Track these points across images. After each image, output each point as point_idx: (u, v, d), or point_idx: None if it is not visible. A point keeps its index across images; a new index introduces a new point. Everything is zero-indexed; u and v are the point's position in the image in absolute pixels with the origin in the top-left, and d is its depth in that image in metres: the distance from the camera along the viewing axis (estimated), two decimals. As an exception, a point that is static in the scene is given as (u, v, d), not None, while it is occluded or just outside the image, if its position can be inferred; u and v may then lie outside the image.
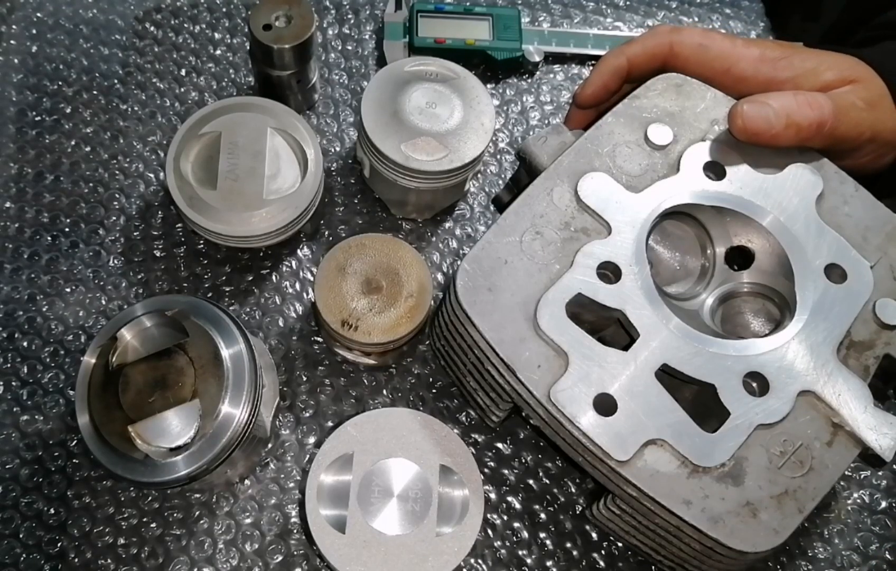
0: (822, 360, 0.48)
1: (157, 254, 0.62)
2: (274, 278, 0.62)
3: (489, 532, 0.55)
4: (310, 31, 0.62)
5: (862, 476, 0.59)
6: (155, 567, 0.52)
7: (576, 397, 0.46)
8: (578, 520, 0.55)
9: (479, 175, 0.68)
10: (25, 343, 0.58)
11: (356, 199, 0.66)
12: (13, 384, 0.57)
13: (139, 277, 0.61)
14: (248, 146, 0.59)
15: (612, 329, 0.52)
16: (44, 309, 0.59)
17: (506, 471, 0.57)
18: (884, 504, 0.57)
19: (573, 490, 0.56)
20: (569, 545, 0.55)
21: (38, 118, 0.67)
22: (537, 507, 0.56)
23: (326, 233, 0.64)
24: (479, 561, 0.54)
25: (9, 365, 0.57)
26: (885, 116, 0.56)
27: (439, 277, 0.63)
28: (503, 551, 0.54)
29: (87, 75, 0.69)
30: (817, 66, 0.56)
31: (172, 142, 0.58)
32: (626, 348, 0.48)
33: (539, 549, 0.55)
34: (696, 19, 0.79)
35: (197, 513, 0.54)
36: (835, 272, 0.51)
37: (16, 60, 0.69)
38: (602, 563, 0.54)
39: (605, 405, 0.46)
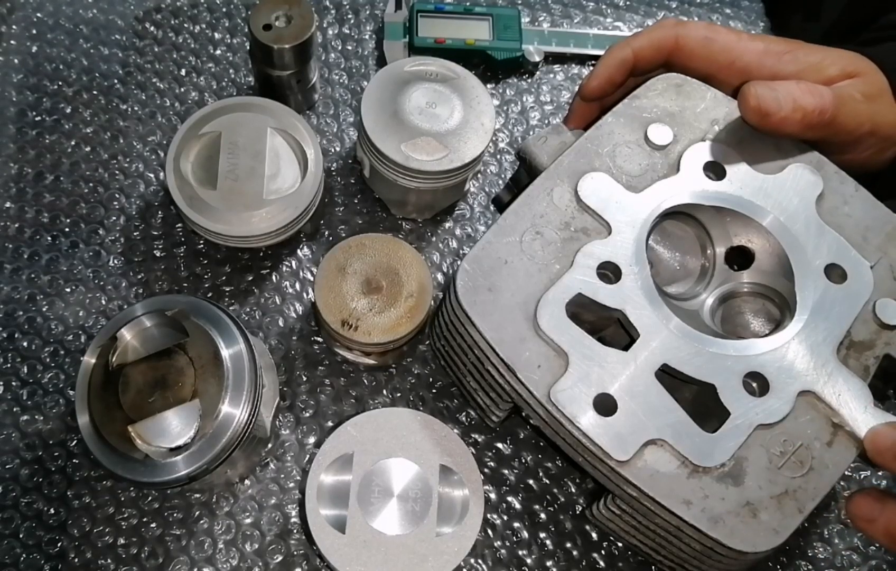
0: (822, 360, 0.48)
1: (157, 254, 0.62)
2: (274, 278, 0.62)
3: (489, 532, 0.55)
4: (310, 31, 0.62)
5: (862, 476, 0.59)
6: (155, 567, 0.52)
7: (576, 397, 0.46)
8: (578, 520, 0.55)
9: (479, 175, 0.68)
10: (25, 343, 0.58)
11: (356, 199, 0.66)
12: (13, 384, 0.57)
13: (139, 277, 0.61)
14: (248, 146, 0.59)
15: (612, 329, 0.52)
16: (44, 309, 0.59)
17: (506, 471, 0.57)
18: (884, 503, 0.58)
19: (573, 490, 0.56)
20: (569, 545, 0.55)
21: (38, 118, 0.67)
22: (537, 507, 0.56)
23: (326, 233, 0.64)
24: (479, 561, 0.54)
25: (9, 365, 0.57)
26: (884, 110, 0.56)
27: (439, 277, 0.63)
28: (503, 551, 0.54)
29: (87, 75, 0.69)
30: (821, 61, 0.56)
31: (172, 142, 0.58)
32: (626, 348, 0.48)
33: (539, 549, 0.55)
34: (696, 19, 0.79)
35: (197, 513, 0.54)
36: (835, 272, 0.51)
37: (16, 60, 0.69)
38: (602, 563, 0.54)
39: (605, 405, 0.46)
